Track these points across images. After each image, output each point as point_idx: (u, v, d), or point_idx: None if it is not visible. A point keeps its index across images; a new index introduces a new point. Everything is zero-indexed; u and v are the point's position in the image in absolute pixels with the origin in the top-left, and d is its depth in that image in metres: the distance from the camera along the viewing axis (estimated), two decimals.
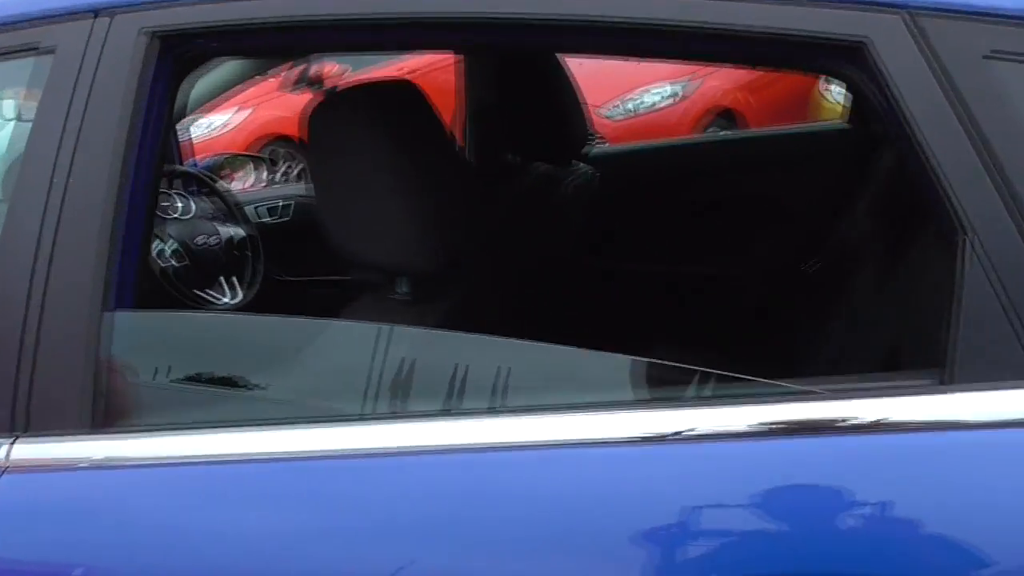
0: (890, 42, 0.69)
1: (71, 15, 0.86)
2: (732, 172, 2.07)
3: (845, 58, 0.71)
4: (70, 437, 0.80)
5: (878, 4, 0.70)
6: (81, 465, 0.81)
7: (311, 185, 1.20)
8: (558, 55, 1.52)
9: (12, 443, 0.80)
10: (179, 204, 1.51)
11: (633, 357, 0.79)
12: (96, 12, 0.85)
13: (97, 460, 0.80)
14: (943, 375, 0.67)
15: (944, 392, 0.68)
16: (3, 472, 0.79)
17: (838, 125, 2.19)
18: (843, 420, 0.69)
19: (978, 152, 0.67)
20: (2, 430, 0.80)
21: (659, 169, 2.06)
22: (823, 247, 1.59)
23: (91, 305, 0.80)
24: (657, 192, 1.78)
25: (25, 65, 0.88)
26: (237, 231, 1.56)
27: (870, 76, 0.69)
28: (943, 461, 0.68)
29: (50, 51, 0.86)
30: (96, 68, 0.83)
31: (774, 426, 0.69)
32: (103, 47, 0.83)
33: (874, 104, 0.72)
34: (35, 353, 0.79)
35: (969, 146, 0.67)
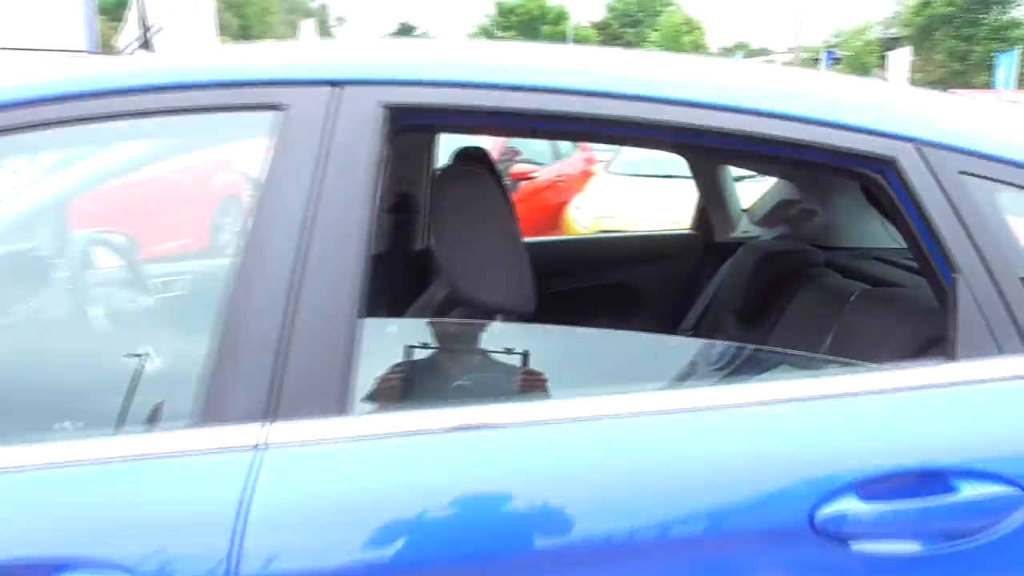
0: (909, 159, 1.10)
1: (309, 83, 1.07)
2: (598, 265, 2.53)
3: (881, 167, 1.12)
4: (324, 419, 0.97)
5: (899, 136, 1.11)
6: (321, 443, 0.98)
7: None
8: None
9: (271, 423, 0.96)
10: None
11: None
12: (333, 84, 1.07)
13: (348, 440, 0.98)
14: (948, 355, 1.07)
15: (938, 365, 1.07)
16: (263, 450, 0.95)
17: (685, 231, 2.73)
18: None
19: (960, 223, 1.09)
20: (261, 417, 0.96)
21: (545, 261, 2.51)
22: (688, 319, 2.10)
23: (348, 312, 0.99)
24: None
25: (260, 119, 1.07)
26: None
27: (898, 178, 1.10)
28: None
29: (283, 109, 1.06)
30: (334, 126, 1.05)
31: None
32: (339, 111, 1.06)
33: (893, 198, 1.12)
34: (291, 345, 0.97)
35: (955, 220, 1.09)
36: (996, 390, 1.03)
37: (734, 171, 2.62)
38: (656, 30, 49.28)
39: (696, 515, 0.97)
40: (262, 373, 0.98)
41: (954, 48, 34.98)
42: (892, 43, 34.09)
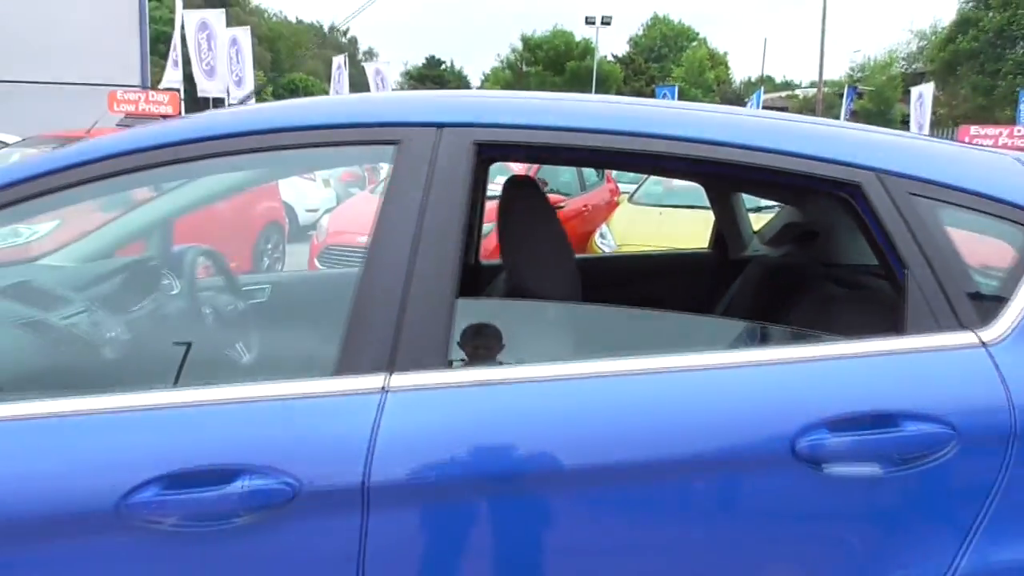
0: (871, 185, 1.44)
1: (419, 125, 1.44)
2: (626, 279, 2.88)
3: (850, 190, 1.46)
4: (430, 372, 1.32)
5: (863, 167, 1.45)
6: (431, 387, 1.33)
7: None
8: None
9: (391, 374, 1.31)
10: None
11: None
12: (437, 126, 1.43)
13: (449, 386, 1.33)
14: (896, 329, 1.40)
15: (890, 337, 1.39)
16: (386, 393, 1.30)
17: (704, 250, 3.07)
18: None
19: (910, 232, 1.42)
20: (384, 369, 1.31)
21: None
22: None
23: (449, 294, 1.35)
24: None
25: (375, 151, 1.44)
26: None
27: (863, 200, 1.44)
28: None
29: (395, 143, 1.43)
30: (437, 157, 1.41)
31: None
32: (440, 146, 1.42)
33: (861, 214, 1.46)
34: (406, 317, 1.32)
35: (906, 230, 1.42)
36: (934, 356, 1.36)
37: (748, 202, 2.97)
38: (680, 66, 49.80)
39: (710, 446, 1.30)
40: (385, 338, 1.33)
41: (979, 83, 35.13)
42: (917, 78, 34.38)
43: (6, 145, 8.20)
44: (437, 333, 1.34)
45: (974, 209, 1.44)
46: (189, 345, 1.70)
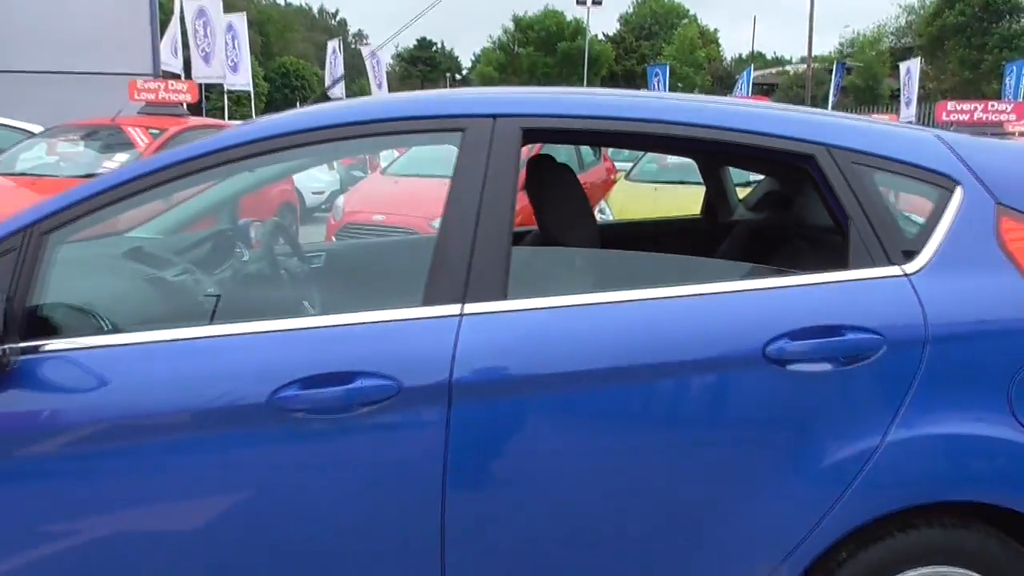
0: (823, 156, 1.89)
1: (477, 116, 1.89)
2: (627, 242, 3.34)
3: (807, 161, 1.91)
4: (493, 302, 1.78)
5: (816, 142, 1.90)
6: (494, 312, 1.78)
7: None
8: None
9: (464, 304, 1.76)
10: None
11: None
12: (493, 116, 1.88)
13: (507, 311, 1.78)
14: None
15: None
16: (462, 317, 1.75)
17: (696, 216, 3.52)
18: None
19: (852, 191, 1.86)
20: (459, 301, 1.77)
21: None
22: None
23: (506, 244, 1.80)
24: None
25: (446, 136, 1.89)
26: None
27: (817, 168, 1.89)
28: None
29: (462, 130, 1.87)
30: (492, 140, 1.86)
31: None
32: (495, 132, 1.87)
33: (815, 179, 1.91)
34: (475, 261, 1.78)
35: (849, 190, 1.87)
36: (869, 284, 1.82)
37: (736, 177, 3.42)
38: (671, 44, 50.01)
39: (704, 352, 1.75)
40: (460, 277, 1.78)
41: (965, 57, 35.54)
42: (906, 53, 34.75)
43: (31, 135, 8.58)
44: (497, 273, 1.80)
45: (901, 174, 1.90)
46: (311, 286, 2.17)
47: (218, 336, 1.79)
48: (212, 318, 2.05)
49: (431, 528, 1.74)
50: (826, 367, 1.77)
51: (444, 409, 1.72)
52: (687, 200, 5.27)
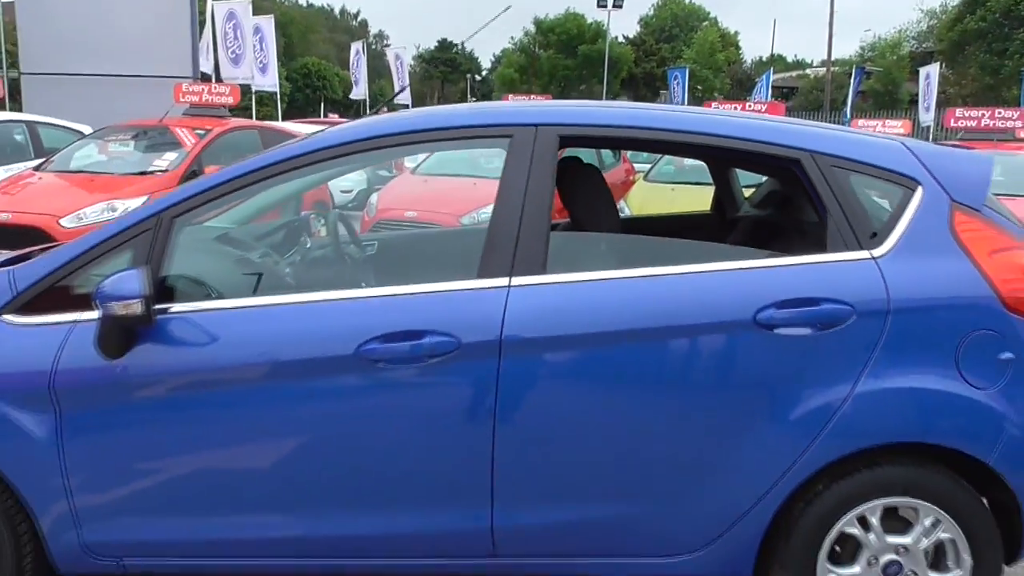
0: (808, 161, 2.29)
1: (522, 125, 2.31)
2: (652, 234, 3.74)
3: (795, 164, 2.31)
4: (535, 275, 2.20)
5: (802, 148, 2.31)
6: (535, 284, 2.20)
7: None
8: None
9: (511, 277, 2.19)
10: None
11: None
12: (536, 125, 2.31)
13: (546, 283, 2.20)
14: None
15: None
16: (510, 288, 2.18)
17: (707, 212, 3.92)
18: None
19: (831, 190, 2.26)
20: (507, 274, 2.19)
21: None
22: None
23: (545, 229, 2.22)
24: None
25: (498, 141, 2.32)
26: None
27: (803, 170, 2.30)
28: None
29: (510, 136, 2.30)
30: (535, 145, 2.28)
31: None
32: (537, 138, 2.29)
33: (801, 179, 2.31)
34: (520, 242, 2.20)
35: (828, 188, 2.27)
36: (843, 265, 2.22)
37: (742, 179, 3.83)
38: (691, 46, 50.19)
39: (706, 318, 2.16)
40: (507, 256, 2.21)
41: (986, 63, 35.54)
42: (927, 58, 34.83)
43: (81, 135, 9.10)
44: (539, 252, 2.22)
45: (872, 175, 2.30)
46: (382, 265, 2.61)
47: (311, 302, 2.23)
48: (296, 291, 2.48)
49: (483, 453, 2.16)
50: (806, 331, 2.17)
51: (495, 361, 2.14)
52: (702, 200, 5.66)
